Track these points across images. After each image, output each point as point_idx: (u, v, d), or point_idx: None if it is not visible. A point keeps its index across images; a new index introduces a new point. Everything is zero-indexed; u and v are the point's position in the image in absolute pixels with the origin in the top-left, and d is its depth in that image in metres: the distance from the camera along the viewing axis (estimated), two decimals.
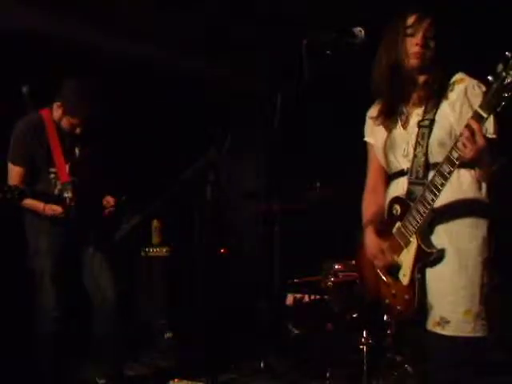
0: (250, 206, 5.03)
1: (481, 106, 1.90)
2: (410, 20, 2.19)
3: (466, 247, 2.15)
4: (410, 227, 2.18)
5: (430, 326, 2.17)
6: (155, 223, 5.03)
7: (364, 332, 3.61)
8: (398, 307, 2.28)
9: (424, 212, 2.12)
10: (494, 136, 2.09)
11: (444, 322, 2.13)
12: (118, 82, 4.47)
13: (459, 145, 1.95)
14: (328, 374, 3.75)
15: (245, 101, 5.70)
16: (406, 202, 2.22)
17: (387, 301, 2.34)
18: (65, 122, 3.46)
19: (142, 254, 4.92)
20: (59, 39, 4.54)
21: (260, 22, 4.93)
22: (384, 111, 2.34)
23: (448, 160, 2.01)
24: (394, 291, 2.29)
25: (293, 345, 4.31)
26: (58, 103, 3.45)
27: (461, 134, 1.94)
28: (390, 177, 2.38)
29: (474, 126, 1.90)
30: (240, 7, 4.72)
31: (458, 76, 2.21)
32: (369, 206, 2.47)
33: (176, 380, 3.79)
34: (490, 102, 1.88)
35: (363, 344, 3.59)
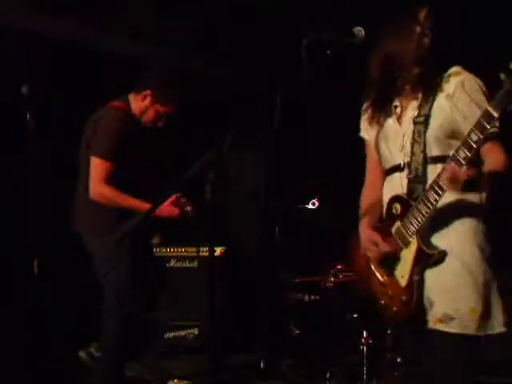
0: (251, 206, 5.02)
1: (491, 105, 1.87)
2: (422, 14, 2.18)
3: (468, 245, 2.13)
4: (411, 227, 2.15)
5: (432, 323, 2.13)
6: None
7: (364, 332, 3.62)
8: (394, 308, 2.24)
9: (426, 212, 2.09)
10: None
11: (448, 318, 2.09)
12: (118, 82, 4.46)
13: (442, 183, 1.98)
14: (328, 374, 3.75)
15: (245, 101, 5.69)
16: (406, 201, 2.18)
17: (383, 301, 2.30)
18: (151, 113, 3.39)
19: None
20: (59, 39, 4.55)
21: (260, 22, 4.93)
22: (376, 102, 2.31)
23: (453, 160, 1.97)
24: (390, 292, 2.26)
25: (293, 345, 4.31)
26: (146, 92, 3.36)
27: (442, 171, 1.99)
28: (385, 172, 2.35)
29: (451, 167, 1.94)
30: (240, 7, 4.72)
31: (454, 69, 2.19)
32: (365, 198, 2.45)
33: (176, 380, 3.79)
34: (502, 101, 1.84)
35: (363, 344, 3.59)
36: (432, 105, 2.17)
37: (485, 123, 1.87)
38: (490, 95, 2.04)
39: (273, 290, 4.40)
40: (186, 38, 5.06)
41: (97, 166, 3.25)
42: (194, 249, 4.75)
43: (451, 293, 2.11)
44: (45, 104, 3.49)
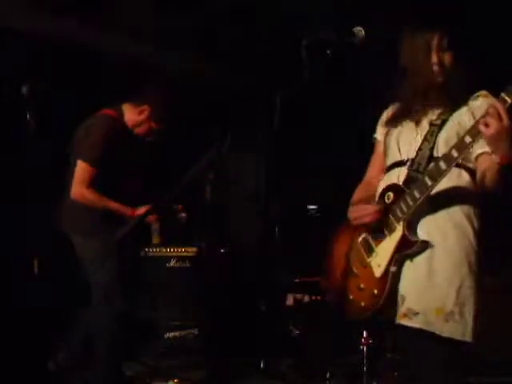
0: (251, 206, 5.02)
1: (506, 91, 1.88)
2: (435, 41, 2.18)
3: (451, 245, 2.10)
4: (399, 213, 2.13)
5: (398, 318, 2.11)
6: (155, 223, 5.02)
7: (364, 332, 3.61)
8: (362, 303, 2.21)
9: (419, 198, 2.07)
10: None
11: (412, 313, 2.07)
12: (118, 82, 4.47)
13: (479, 126, 1.90)
14: (328, 374, 3.75)
15: (245, 101, 5.70)
16: (401, 188, 2.16)
17: (351, 296, 2.26)
18: (144, 127, 3.49)
19: (142, 253, 4.91)
20: (59, 39, 4.55)
21: (260, 22, 4.93)
22: (400, 113, 2.31)
23: (460, 145, 1.97)
24: (362, 285, 2.23)
25: (293, 345, 4.31)
26: (145, 107, 3.45)
27: (483, 116, 1.90)
28: (385, 170, 2.34)
29: (498, 105, 1.87)
30: (240, 7, 4.72)
31: (483, 92, 2.20)
32: (357, 193, 2.44)
33: (176, 380, 3.80)
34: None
35: (363, 344, 3.59)
36: (452, 114, 2.17)
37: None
38: None
39: (273, 290, 4.40)
40: (185, 37, 5.06)
41: (81, 169, 3.36)
42: (195, 249, 4.74)
43: (420, 289, 2.09)
44: (45, 104, 3.49)
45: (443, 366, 2.07)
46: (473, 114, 2.14)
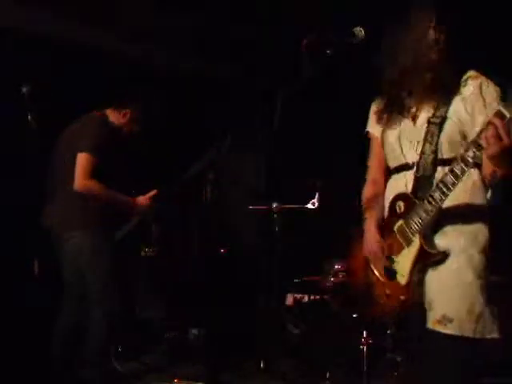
0: (250, 206, 5.02)
1: (504, 105, 1.86)
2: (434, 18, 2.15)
3: (470, 246, 2.12)
4: (414, 226, 2.14)
5: (431, 324, 2.12)
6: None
7: (364, 332, 3.61)
8: (392, 306, 2.24)
9: (431, 211, 2.07)
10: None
11: (447, 320, 2.08)
12: (118, 82, 4.46)
13: (481, 142, 1.88)
14: (328, 374, 3.75)
15: (245, 101, 5.70)
16: (411, 199, 2.16)
17: (382, 301, 2.29)
18: (127, 129, 3.68)
19: (142, 253, 4.92)
20: (59, 39, 4.54)
21: (260, 22, 4.93)
22: (391, 104, 2.29)
23: (462, 160, 1.96)
24: (388, 291, 2.25)
25: (293, 345, 4.31)
26: (127, 111, 3.64)
27: (481, 131, 1.88)
28: (390, 170, 2.33)
29: (498, 122, 1.84)
30: (240, 7, 4.72)
31: (471, 73, 2.17)
32: (366, 193, 2.44)
33: (176, 380, 3.79)
34: None
35: (363, 344, 3.59)
36: (448, 108, 2.16)
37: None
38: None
39: (272, 290, 4.40)
40: (185, 38, 5.06)
41: (84, 160, 3.39)
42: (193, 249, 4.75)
43: (450, 293, 2.11)
44: (45, 104, 3.49)
45: (468, 366, 2.10)
46: (468, 103, 2.12)
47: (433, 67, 2.17)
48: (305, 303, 4.46)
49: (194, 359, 4.24)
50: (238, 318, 4.60)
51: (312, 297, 4.39)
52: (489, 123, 1.87)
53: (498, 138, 1.84)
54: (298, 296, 4.54)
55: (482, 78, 2.15)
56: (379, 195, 2.38)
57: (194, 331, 4.73)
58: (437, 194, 2.05)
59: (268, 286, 4.44)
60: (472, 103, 2.11)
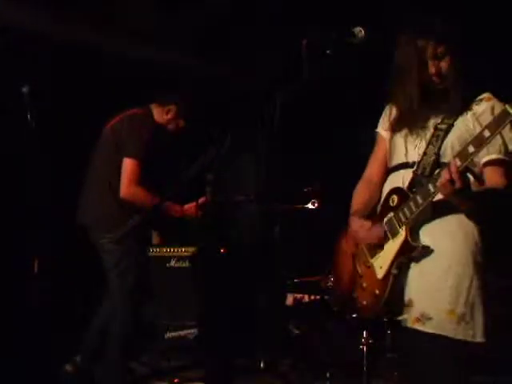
0: (250, 206, 5.02)
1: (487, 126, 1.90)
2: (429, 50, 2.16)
3: (458, 247, 2.12)
4: (403, 217, 2.15)
5: (410, 323, 2.12)
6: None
7: (364, 332, 3.61)
8: (364, 302, 2.25)
9: (421, 204, 2.08)
10: (500, 156, 2.10)
11: (425, 318, 2.08)
12: (118, 82, 4.47)
13: (437, 184, 1.98)
14: (328, 374, 3.75)
15: (245, 101, 5.69)
16: (405, 192, 2.18)
17: (355, 294, 2.30)
18: (172, 126, 3.65)
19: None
20: (59, 39, 4.55)
21: (260, 22, 4.93)
22: (403, 117, 2.30)
23: (463, 154, 1.98)
24: (365, 284, 2.26)
25: (293, 345, 4.30)
26: (170, 107, 3.60)
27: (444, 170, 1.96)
28: (390, 169, 2.34)
29: (453, 168, 1.93)
30: (240, 7, 4.72)
31: (486, 94, 2.20)
32: (359, 195, 2.44)
33: (176, 380, 3.80)
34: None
35: (363, 344, 3.59)
36: (457, 118, 2.17)
37: (500, 122, 1.88)
38: None
39: (273, 290, 4.40)
40: (186, 37, 5.06)
41: (131, 166, 3.42)
42: (193, 248, 4.74)
43: (431, 292, 2.10)
44: (45, 104, 3.49)
45: (451, 366, 2.08)
46: (477, 119, 2.14)
47: (440, 90, 2.19)
48: (305, 303, 4.45)
49: (193, 359, 4.24)
50: (238, 318, 4.60)
51: (312, 297, 4.39)
52: (448, 165, 1.95)
53: (451, 182, 1.93)
54: (298, 296, 4.54)
55: (496, 102, 2.17)
56: (371, 193, 2.39)
57: (194, 331, 4.72)
58: (430, 187, 2.06)
59: (268, 286, 4.45)
60: (483, 121, 2.10)
